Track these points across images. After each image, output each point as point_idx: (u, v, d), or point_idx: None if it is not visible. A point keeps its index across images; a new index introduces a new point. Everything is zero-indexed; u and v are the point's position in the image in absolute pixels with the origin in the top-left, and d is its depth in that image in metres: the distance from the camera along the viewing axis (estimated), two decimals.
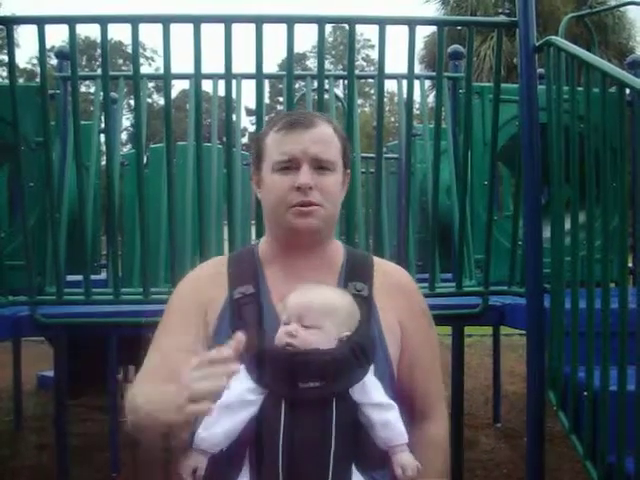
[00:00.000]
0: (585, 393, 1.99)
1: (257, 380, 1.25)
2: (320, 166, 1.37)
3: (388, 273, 1.48)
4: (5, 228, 3.34)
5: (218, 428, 1.23)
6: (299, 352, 1.25)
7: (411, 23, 2.41)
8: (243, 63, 2.77)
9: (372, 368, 1.30)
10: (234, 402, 1.24)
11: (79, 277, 2.64)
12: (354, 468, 1.25)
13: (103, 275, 3.82)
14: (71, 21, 2.36)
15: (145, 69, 35.24)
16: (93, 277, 2.82)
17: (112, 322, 2.62)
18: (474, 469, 3.78)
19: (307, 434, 1.21)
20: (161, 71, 2.51)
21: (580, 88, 2.14)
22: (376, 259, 1.53)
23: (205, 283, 1.44)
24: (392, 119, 22.86)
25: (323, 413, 1.22)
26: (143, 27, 2.38)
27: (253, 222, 2.73)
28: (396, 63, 2.77)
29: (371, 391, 1.26)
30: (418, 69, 16.57)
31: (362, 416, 1.26)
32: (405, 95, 2.68)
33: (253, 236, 3.30)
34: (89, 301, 2.55)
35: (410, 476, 1.26)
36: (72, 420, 4.17)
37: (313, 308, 1.30)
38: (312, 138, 1.37)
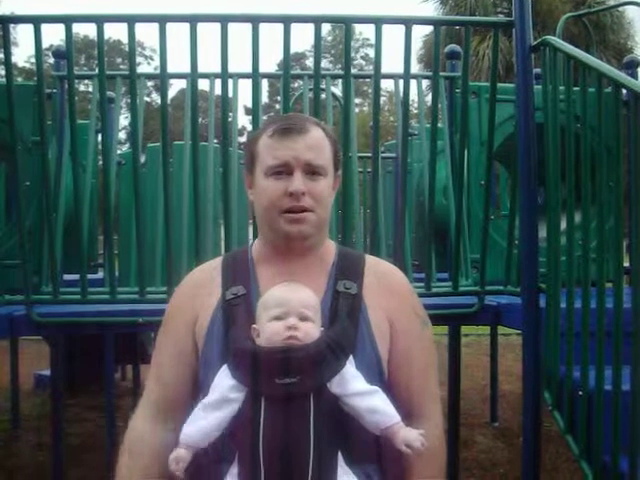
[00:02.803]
0: (580, 393, 1.99)
1: (238, 378, 1.28)
2: (312, 171, 1.40)
3: (381, 273, 1.49)
4: (1, 227, 3.34)
5: (201, 424, 1.28)
6: (275, 349, 1.27)
7: (407, 22, 2.41)
8: (242, 62, 2.77)
9: (352, 361, 1.31)
10: (217, 400, 1.28)
11: (76, 276, 2.63)
12: (342, 461, 1.27)
13: (100, 274, 3.81)
14: (67, 20, 2.35)
15: (144, 68, 35.29)
16: (90, 276, 2.82)
17: (108, 321, 2.62)
18: (471, 468, 3.79)
19: (286, 429, 1.23)
20: (159, 70, 2.50)
21: (576, 88, 2.14)
22: (370, 259, 1.54)
23: (195, 290, 1.48)
24: (391, 118, 22.84)
25: (301, 408, 1.24)
26: (141, 26, 2.39)
27: (251, 222, 2.73)
28: (395, 62, 2.78)
29: (350, 382, 1.28)
30: (417, 68, 16.60)
31: (346, 407, 1.28)
32: (402, 95, 2.68)
33: (250, 235, 3.30)
34: (85, 300, 2.55)
35: (418, 447, 1.25)
36: (69, 419, 4.18)
37: (310, 303, 1.34)
38: (305, 144, 1.39)
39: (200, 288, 1.47)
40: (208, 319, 1.41)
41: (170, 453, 1.33)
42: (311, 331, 1.30)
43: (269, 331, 1.30)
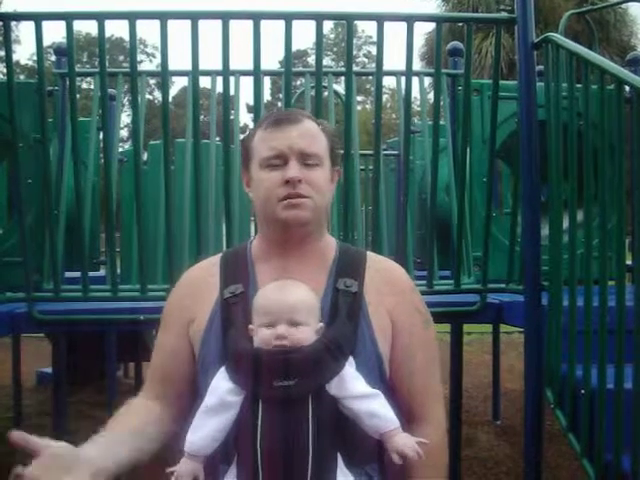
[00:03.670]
0: (582, 391, 1.99)
1: (236, 381, 1.27)
2: (307, 160, 1.39)
3: (382, 270, 1.47)
4: (3, 224, 3.34)
5: (204, 431, 1.26)
6: (272, 351, 1.26)
7: (409, 20, 2.40)
8: (244, 59, 2.76)
9: (352, 362, 1.29)
10: (216, 404, 1.27)
11: (77, 274, 2.63)
12: (342, 463, 1.25)
13: (102, 272, 3.81)
14: (68, 17, 2.35)
15: (146, 65, 35.26)
16: (92, 274, 2.81)
17: (110, 319, 2.62)
18: (473, 466, 3.79)
19: (284, 432, 1.22)
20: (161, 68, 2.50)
21: (579, 85, 2.13)
22: (372, 256, 1.52)
23: (193, 289, 1.47)
24: (393, 116, 22.85)
25: (300, 410, 1.23)
26: (144, 24, 2.38)
27: (252, 219, 2.72)
28: (398, 60, 2.77)
29: (350, 384, 1.26)
30: (419, 66, 16.54)
31: (345, 409, 1.26)
32: (404, 92, 2.68)
33: (252, 232, 3.29)
34: (87, 298, 2.54)
35: (412, 456, 1.22)
36: (71, 416, 4.18)
37: (301, 306, 1.30)
38: (298, 133, 1.39)
39: (198, 286, 1.46)
40: (206, 317, 1.40)
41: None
42: (303, 336, 1.27)
43: (260, 337, 1.29)
